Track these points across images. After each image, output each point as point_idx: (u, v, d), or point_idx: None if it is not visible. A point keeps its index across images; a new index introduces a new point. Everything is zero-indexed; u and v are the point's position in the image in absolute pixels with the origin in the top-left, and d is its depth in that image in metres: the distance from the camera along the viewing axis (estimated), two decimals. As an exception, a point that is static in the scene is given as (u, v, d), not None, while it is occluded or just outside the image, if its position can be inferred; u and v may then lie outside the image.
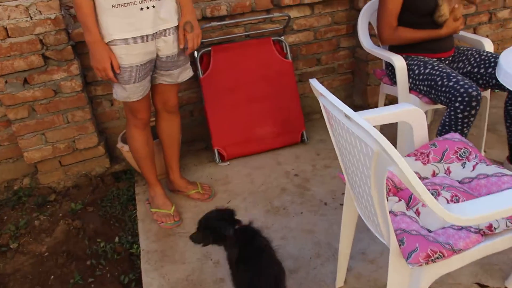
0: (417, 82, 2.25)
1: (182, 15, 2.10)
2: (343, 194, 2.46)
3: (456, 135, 1.73)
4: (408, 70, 2.30)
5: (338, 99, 1.29)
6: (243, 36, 2.91)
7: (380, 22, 2.32)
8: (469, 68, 2.35)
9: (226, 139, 2.82)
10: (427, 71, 2.20)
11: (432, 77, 2.16)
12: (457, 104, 2.00)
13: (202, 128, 2.97)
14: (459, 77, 2.06)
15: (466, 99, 1.97)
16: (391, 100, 2.96)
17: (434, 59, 2.32)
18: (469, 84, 2.00)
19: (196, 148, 3.05)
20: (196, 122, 3.05)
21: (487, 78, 2.28)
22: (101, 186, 2.81)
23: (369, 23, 2.64)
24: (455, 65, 2.40)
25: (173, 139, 2.46)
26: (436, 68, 2.18)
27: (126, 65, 1.98)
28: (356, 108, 3.38)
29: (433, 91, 2.16)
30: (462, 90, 1.99)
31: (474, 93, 1.97)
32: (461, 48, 2.43)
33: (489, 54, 2.31)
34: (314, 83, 1.42)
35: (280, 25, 2.94)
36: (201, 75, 2.78)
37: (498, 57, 2.25)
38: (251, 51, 2.85)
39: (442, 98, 2.10)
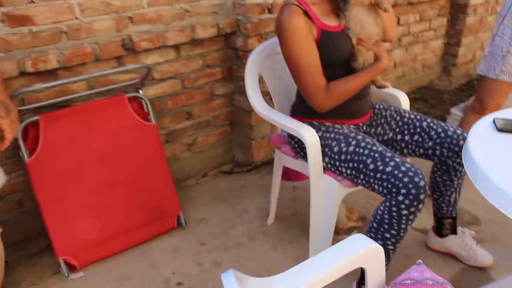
0: (337, 163, 1.74)
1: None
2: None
3: (426, 273, 1.22)
4: (323, 146, 1.78)
5: None
6: (86, 95, 2.10)
7: (306, 87, 1.73)
8: (391, 134, 1.92)
9: (74, 243, 2.02)
10: (351, 149, 1.70)
11: (360, 158, 1.66)
12: (400, 198, 1.53)
13: (38, 222, 2.10)
14: (397, 159, 1.59)
15: (413, 191, 1.51)
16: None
17: (352, 127, 1.83)
18: (413, 170, 1.54)
19: (32, 252, 2.16)
20: (28, 215, 2.16)
21: (413, 147, 1.88)
22: None
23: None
24: (373, 130, 1.95)
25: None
26: (363, 145, 1.68)
27: None
28: (239, 166, 2.80)
29: (361, 176, 1.67)
30: (406, 179, 1.52)
31: (422, 183, 1.52)
32: (376, 107, 1.99)
33: (412, 117, 1.90)
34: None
35: (137, 75, 2.22)
36: (26, 158, 1.93)
37: (423, 121, 1.86)
38: (98, 116, 2.07)
39: (376, 187, 1.62)
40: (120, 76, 2.17)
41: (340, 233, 2.17)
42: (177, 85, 2.40)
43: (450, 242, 2.08)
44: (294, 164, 2.01)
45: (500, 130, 1.43)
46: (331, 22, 1.71)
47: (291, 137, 1.94)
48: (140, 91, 2.21)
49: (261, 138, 2.69)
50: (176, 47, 2.31)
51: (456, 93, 4.18)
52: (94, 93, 2.11)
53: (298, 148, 1.91)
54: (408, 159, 1.94)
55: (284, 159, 2.07)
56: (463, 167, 1.87)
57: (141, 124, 2.16)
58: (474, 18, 4.17)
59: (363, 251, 1.14)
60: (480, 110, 2.43)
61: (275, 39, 2.08)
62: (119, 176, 2.11)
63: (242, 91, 2.57)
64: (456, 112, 3.45)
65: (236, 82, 2.59)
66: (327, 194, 1.83)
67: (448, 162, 1.85)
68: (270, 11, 2.42)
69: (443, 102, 3.94)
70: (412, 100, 3.70)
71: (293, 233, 2.25)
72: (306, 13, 1.67)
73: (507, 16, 2.22)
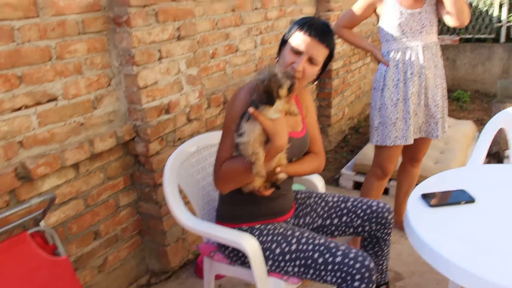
0: (282, 264, 1.76)
1: None
2: None
3: None
4: (263, 250, 1.79)
5: None
6: (-22, 241, 1.85)
7: (216, 158, 1.79)
8: (320, 221, 2.01)
9: None
10: (293, 247, 1.74)
11: (306, 254, 1.71)
12: (356, 284, 1.61)
13: None
14: (342, 247, 1.69)
15: (366, 274, 1.61)
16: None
17: (282, 224, 1.87)
18: (361, 254, 1.65)
19: None
20: None
21: (343, 228, 2.01)
22: None
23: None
24: (302, 220, 2.02)
25: None
26: (304, 241, 1.74)
27: None
28: (156, 275, 2.65)
29: (310, 271, 1.71)
30: (358, 265, 1.61)
31: (372, 265, 1.63)
32: (298, 197, 2.08)
33: (335, 199, 2.03)
34: None
35: (34, 206, 2.01)
36: None
37: (347, 201, 1.99)
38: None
39: (329, 279, 1.67)
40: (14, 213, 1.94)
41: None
42: (80, 206, 2.23)
43: (388, 307, 2.21)
44: (231, 271, 1.97)
45: (431, 206, 1.61)
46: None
47: (223, 245, 1.91)
48: (41, 222, 2.00)
49: (176, 242, 2.60)
50: (75, 165, 2.16)
51: (337, 151, 4.54)
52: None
53: (234, 256, 1.89)
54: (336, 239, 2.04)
55: (217, 267, 2.02)
56: (390, 236, 2.03)
57: (51, 261, 1.94)
58: (338, 80, 4.63)
59: None
60: (382, 175, 2.67)
61: (181, 147, 2.09)
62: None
63: (147, 198, 2.49)
64: (346, 172, 3.73)
65: (140, 189, 2.50)
66: (275, 296, 1.82)
67: (377, 235, 2.00)
68: (167, 111, 2.42)
69: (329, 162, 4.24)
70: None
71: None
72: None
73: (384, 89, 2.51)
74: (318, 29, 1.72)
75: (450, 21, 2.38)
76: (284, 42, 1.80)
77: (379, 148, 2.64)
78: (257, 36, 3.39)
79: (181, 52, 2.47)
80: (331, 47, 1.77)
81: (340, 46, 4.46)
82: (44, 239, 2.02)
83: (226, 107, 1.71)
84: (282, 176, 1.75)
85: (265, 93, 1.55)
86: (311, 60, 1.73)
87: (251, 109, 1.53)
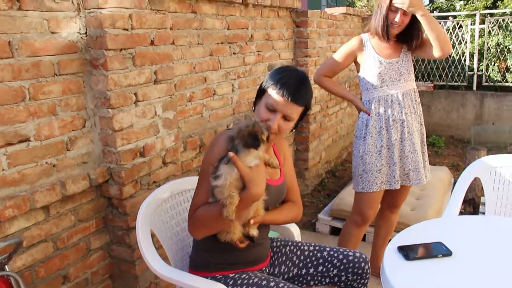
0: (256, 317, 1.72)
1: None
2: None
3: None
4: (237, 300, 1.76)
5: None
6: None
7: (191, 202, 1.78)
8: (296, 270, 1.99)
9: None
10: (267, 299, 1.71)
11: (280, 308, 1.68)
12: None
13: None
14: None
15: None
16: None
17: (257, 274, 1.85)
18: None
19: None
20: None
21: (319, 278, 1.99)
22: None
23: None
24: (277, 269, 2.00)
25: None
26: (279, 292, 1.71)
27: None
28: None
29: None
30: None
31: None
32: (274, 245, 2.06)
33: (311, 248, 2.02)
34: None
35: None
36: None
37: (323, 251, 1.99)
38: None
39: None
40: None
41: None
42: (49, 249, 2.17)
43: None
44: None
45: (408, 259, 1.61)
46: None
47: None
48: (6, 267, 1.94)
49: (148, 287, 2.54)
50: (45, 207, 2.12)
51: (314, 195, 4.55)
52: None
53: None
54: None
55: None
56: (366, 286, 2.01)
57: (15, 308, 1.88)
58: (316, 124, 4.69)
59: None
60: (362, 222, 2.67)
61: (155, 192, 2.08)
62: None
63: (120, 241, 2.45)
64: (323, 217, 3.73)
65: (112, 232, 2.45)
66: None
67: (354, 285, 1.97)
68: (142, 154, 2.41)
69: (306, 206, 4.24)
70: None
71: None
72: None
73: (367, 136, 2.55)
74: (291, 88, 1.70)
75: (434, 52, 2.46)
76: (261, 91, 1.81)
77: (360, 195, 2.65)
78: (234, 80, 3.44)
79: (158, 96, 2.48)
80: (305, 103, 1.76)
81: (317, 91, 4.55)
82: (8, 284, 1.95)
83: (203, 152, 1.72)
84: (254, 231, 1.75)
85: (250, 136, 1.58)
86: (285, 117, 1.73)
87: (230, 154, 1.55)
